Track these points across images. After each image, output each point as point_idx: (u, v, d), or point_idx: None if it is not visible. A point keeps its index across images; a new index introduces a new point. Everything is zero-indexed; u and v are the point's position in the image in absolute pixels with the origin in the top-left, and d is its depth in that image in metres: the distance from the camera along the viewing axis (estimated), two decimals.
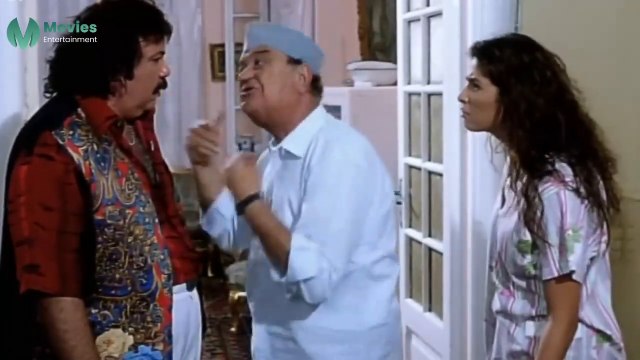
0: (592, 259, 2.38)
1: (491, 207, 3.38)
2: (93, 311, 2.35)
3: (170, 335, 2.45)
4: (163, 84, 2.48)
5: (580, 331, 2.39)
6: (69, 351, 2.27)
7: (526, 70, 2.42)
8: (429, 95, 3.95)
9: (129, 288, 2.38)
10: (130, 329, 2.39)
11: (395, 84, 4.47)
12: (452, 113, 3.57)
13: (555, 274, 2.33)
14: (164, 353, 2.44)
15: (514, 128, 2.42)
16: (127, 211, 2.36)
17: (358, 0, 6.65)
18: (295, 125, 2.59)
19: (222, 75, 8.00)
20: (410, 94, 4.22)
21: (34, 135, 2.30)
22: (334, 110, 5.68)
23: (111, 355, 2.38)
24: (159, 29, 2.42)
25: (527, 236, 2.39)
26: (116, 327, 2.38)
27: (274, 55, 2.58)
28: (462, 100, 2.54)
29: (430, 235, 4.02)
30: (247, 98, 2.59)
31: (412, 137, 4.20)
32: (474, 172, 3.45)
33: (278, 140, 2.63)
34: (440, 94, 3.71)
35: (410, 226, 4.24)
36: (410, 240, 4.27)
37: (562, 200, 2.32)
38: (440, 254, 3.82)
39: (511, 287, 2.49)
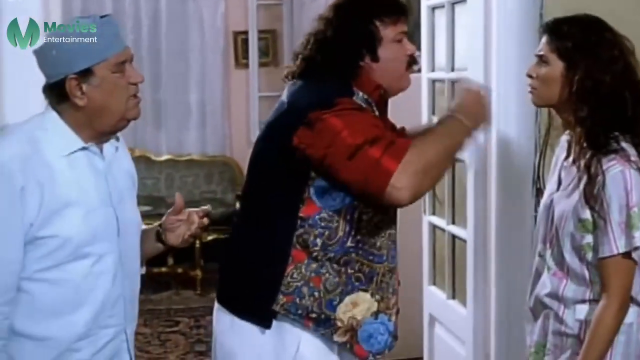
0: None
1: (513, 194, 3.39)
2: (349, 271, 2.52)
3: (398, 309, 2.65)
4: (413, 61, 2.62)
5: (632, 315, 2.41)
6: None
7: (593, 48, 2.44)
8: (453, 82, 3.94)
9: (384, 257, 2.57)
10: (376, 296, 2.56)
11: (419, 70, 4.46)
12: None
13: (615, 252, 2.35)
14: (395, 324, 2.62)
15: (579, 104, 2.44)
16: None
17: None
18: None
19: (246, 62, 7.98)
20: (434, 81, 4.21)
21: (326, 101, 2.41)
22: None
23: (354, 317, 2.54)
24: (394, 10, 2.56)
25: (588, 215, 2.40)
26: (365, 291, 2.54)
27: None
28: (529, 76, 2.56)
29: (454, 223, 4.02)
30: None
31: None
32: (497, 158, 3.44)
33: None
34: None
35: (433, 213, 4.24)
36: (434, 228, 4.26)
37: (627, 178, 2.34)
38: (464, 241, 3.82)
39: (565, 269, 2.49)
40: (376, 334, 2.57)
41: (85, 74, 2.29)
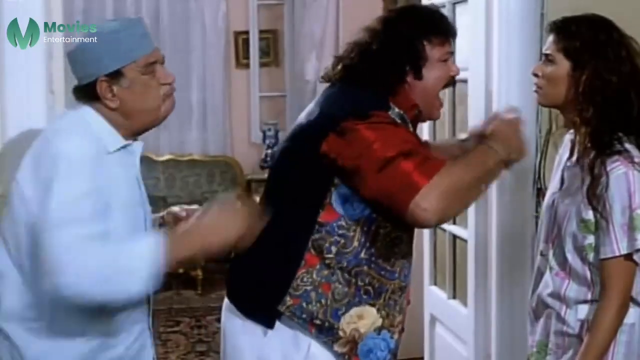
0: None
1: (514, 194, 3.39)
2: (359, 283, 2.49)
3: (403, 328, 2.62)
4: (451, 83, 2.61)
5: (633, 316, 2.41)
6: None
7: (601, 48, 2.42)
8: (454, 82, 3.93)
9: (396, 275, 2.53)
10: (382, 312, 2.53)
11: None
12: (477, 100, 3.57)
13: (617, 253, 2.35)
14: (396, 343, 2.59)
15: (585, 105, 2.42)
16: None
17: None
18: None
19: (246, 62, 8.00)
20: None
21: (360, 112, 2.38)
22: None
23: (358, 329, 2.51)
24: (443, 32, 2.55)
25: (590, 215, 2.39)
26: (372, 305, 2.52)
27: None
28: (535, 75, 2.54)
29: (454, 223, 4.01)
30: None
31: (437, 124, 4.19)
32: None
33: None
34: (465, 81, 3.69)
35: None
36: (435, 228, 4.26)
37: (630, 180, 2.33)
38: (465, 241, 3.82)
39: (567, 269, 2.49)
40: (376, 349, 2.55)
41: (115, 75, 2.31)
